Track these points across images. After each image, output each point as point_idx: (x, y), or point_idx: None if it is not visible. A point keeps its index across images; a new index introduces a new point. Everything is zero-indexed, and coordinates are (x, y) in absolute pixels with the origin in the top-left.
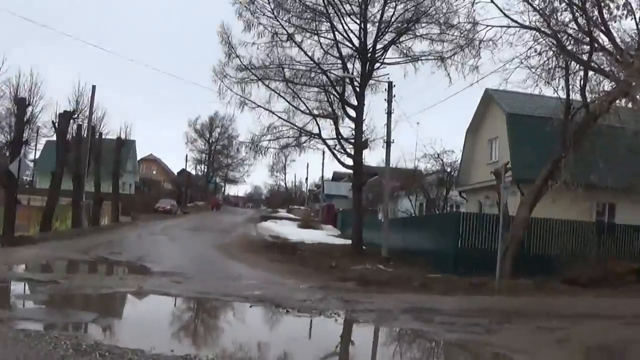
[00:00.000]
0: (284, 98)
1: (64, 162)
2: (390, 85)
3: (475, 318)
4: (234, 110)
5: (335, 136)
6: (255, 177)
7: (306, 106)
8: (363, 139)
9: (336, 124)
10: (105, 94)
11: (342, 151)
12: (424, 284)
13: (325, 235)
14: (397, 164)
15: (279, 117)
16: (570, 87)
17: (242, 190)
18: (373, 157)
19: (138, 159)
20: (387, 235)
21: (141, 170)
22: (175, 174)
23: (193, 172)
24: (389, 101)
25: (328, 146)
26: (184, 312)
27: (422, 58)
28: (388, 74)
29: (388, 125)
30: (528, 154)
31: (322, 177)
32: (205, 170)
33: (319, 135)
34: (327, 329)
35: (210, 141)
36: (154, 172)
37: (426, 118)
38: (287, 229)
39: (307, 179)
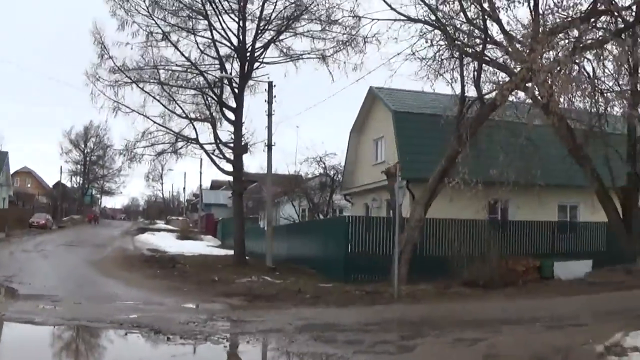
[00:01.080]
0: (159, 102)
1: None
2: (271, 85)
3: (381, 333)
4: (107, 116)
5: (213, 141)
6: (132, 188)
7: (182, 110)
8: (243, 143)
9: (214, 127)
10: None
11: (221, 156)
12: (317, 296)
13: (205, 246)
14: (278, 169)
15: (154, 122)
16: (465, 79)
17: (120, 202)
18: (254, 163)
19: (12, 171)
20: (270, 244)
21: (15, 184)
22: (51, 186)
23: (69, 185)
24: (269, 102)
25: (206, 151)
26: (46, 347)
27: (304, 57)
28: (268, 74)
29: (269, 127)
30: (416, 153)
31: (200, 185)
32: (81, 182)
33: (196, 140)
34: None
35: (85, 152)
36: (29, 185)
37: (310, 120)
38: (166, 241)
39: (184, 188)
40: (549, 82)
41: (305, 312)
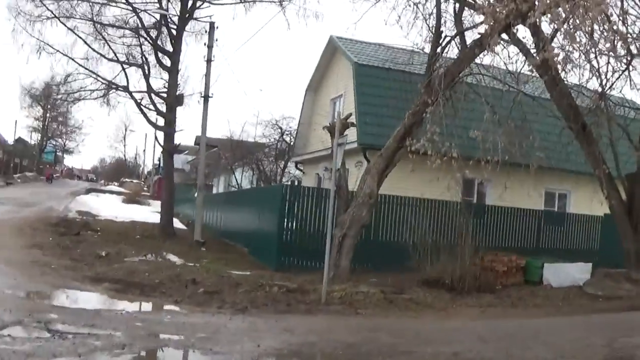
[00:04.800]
0: (84, 42)
1: None
2: (212, 26)
3: None
4: (28, 57)
5: (144, 89)
6: (102, 148)
7: (114, 53)
8: (178, 94)
9: (146, 73)
10: None
11: (152, 108)
12: (215, 291)
13: (149, 212)
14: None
15: (80, 65)
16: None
17: (90, 163)
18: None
19: None
20: (200, 215)
21: None
22: (7, 141)
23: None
24: (209, 45)
25: (136, 101)
26: None
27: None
28: (212, 15)
29: (207, 75)
30: (378, 115)
31: (155, 147)
32: (39, 139)
33: (126, 88)
34: None
35: (46, 107)
36: None
37: (268, 81)
38: (105, 205)
39: (144, 150)
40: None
41: (181, 319)
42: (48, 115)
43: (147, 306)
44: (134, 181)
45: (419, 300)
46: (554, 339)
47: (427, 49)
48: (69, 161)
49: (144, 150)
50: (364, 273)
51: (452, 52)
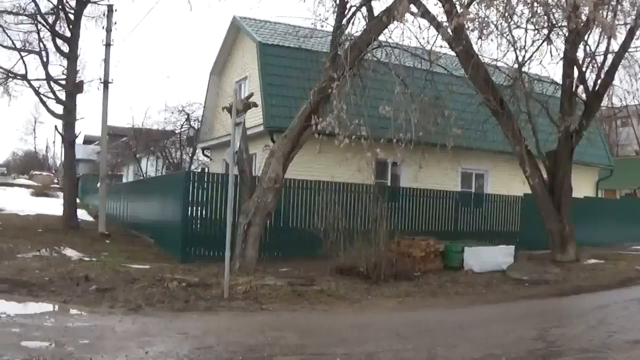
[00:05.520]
0: None
1: None
2: (111, 9)
3: None
4: None
5: (43, 77)
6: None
7: (11, 40)
8: (77, 81)
9: (45, 61)
10: None
11: (52, 96)
12: (108, 288)
13: (58, 204)
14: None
15: None
16: None
17: (3, 156)
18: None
19: None
20: (103, 206)
21: None
22: None
23: None
24: (108, 29)
25: (35, 89)
26: None
27: None
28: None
29: (106, 60)
30: (284, 96)
31: (60, 137)
32: None
33: (23, 76)
34: None
35: None
36: None
37: (174, 66)
38: (11, 198)
39: (54, 142)
40: None
41: (58, 323)
42: None
43: (31, 308)
44: (44, 173)
45: (330, 292)
46: (480, 332)
47: (332, 21)
48: None
49: (54, 142)
50: (273, 262)
51: (360, 25)
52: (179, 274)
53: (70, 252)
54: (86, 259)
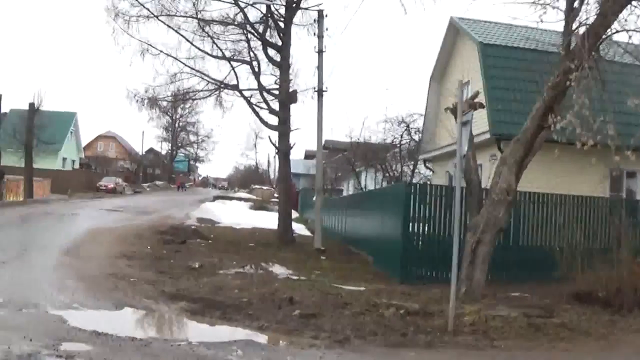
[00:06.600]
0: (189, 41)
1: None
2: (322, 14)
3: None
4: (131, 60)
5: (255, 87)
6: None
7: (221, 51)
8: (290, 90)
9: (254, 70)
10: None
11: (265, 106)
12: (314, 314)
13: (276, 218)
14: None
15: (186, 65)
16: None
17: (226, 171)
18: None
19: (95, 135)
20: (318, 220)
21: (98, 148)
22: (139, 152)
23: (161, 151)
24: (319, 35)
25: (247, 100)
26: None
27: None
28: (321, 3)
29: (319, 67)
30: (512, 100)
31: (276, 152)
32: (169, 148)
33: (235, 87)
34: None
35: (174, 117)
36: (112, 150)
37: (390, 74)
38: (229, 211)
39: (275, 156)
40: None
41: (247, 356)
42: (177, 125)
43: (220, 334)
44: (264, 187)
45: (572, 326)
46: None
47: (562, 6)
48: (204, 170)
49: (274, 156)
50: (500, 285)
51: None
52: (396, 298)
53: (278, 269)
54: (294, 277)
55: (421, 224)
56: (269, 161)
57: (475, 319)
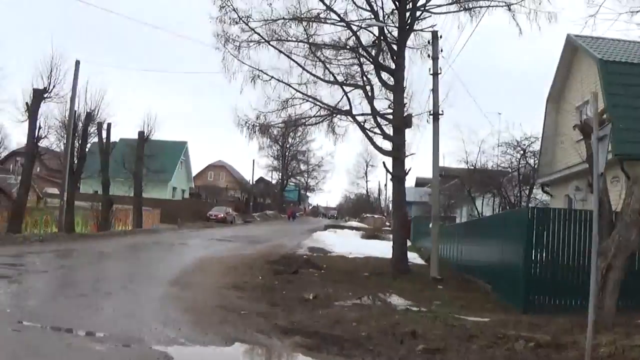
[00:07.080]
0: (301, 66)
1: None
2: (435, 36)
3: None
4: (242, 86)
5: (368, 112)
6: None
7: (333, 75)
8: (405, 114)
9: (369, 95)
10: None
11: (379, 131)
12: (438, 349)
13: (389, 247)
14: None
15: (297, 91)
16: None
17: (336, 200)
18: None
19: (205, 165)
20: (436, 248)
21: (209, 177)
22: (250, 181)
23: (271, 181)
24: (434, 57)
25: (360, 125)
26: None
27: (482, 5)
28: (435, 24)
29: (435, 90)
30: (633, 118)
31: (385, 180)
32: (280, 177)
33: (349, 112)
34: None
35: (285, 146)
36: (222, 179)
37: (503, 97)
38: (340, 241)
39: (386, 185)
40: None
41: None
42: (287, 154)
43: None
44: (375, 216)
45: None
46: None
47: None
48: (315, 199)
49: (385, 185)
50: (630, 313)
51: None
52: (523, 329)
53: (396, 300)
54: (414, 308)
55: (544, 250)
56: (379, 189)
57: (612, 350)
